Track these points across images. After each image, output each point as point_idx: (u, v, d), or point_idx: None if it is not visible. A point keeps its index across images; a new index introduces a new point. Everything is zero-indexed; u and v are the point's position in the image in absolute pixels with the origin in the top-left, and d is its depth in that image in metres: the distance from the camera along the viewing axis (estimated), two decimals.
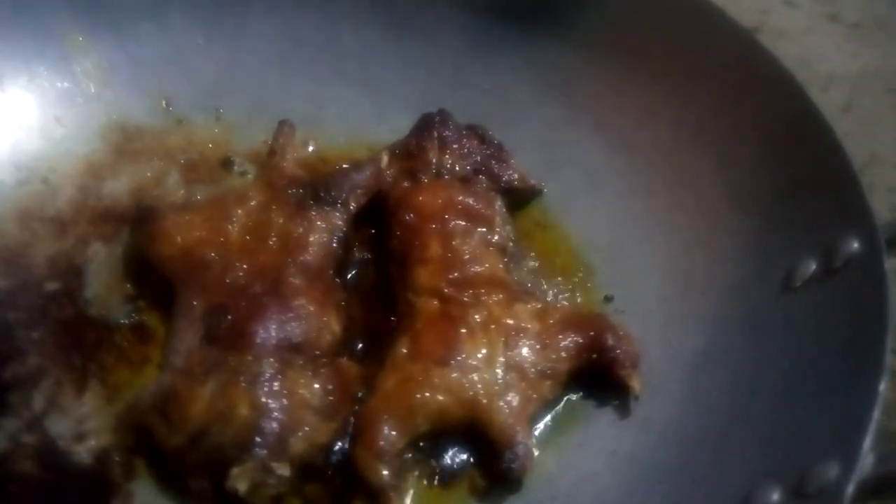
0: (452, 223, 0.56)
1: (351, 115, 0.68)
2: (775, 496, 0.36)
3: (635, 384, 0.49)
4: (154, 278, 0.56)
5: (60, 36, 0.65)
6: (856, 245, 0.44)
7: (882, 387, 0.36)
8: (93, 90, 0.66)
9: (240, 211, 0.56)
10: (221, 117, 0.67)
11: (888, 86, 0.95)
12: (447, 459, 0.48)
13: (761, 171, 0.52)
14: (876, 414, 0.35)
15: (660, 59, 0.59)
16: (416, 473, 0.48)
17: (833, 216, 0.46)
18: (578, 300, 0.56)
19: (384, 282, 0.57)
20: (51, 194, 0.61)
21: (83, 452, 0.49)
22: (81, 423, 0.50)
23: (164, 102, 0.67)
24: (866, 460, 0.34)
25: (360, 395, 0.50)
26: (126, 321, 0.55)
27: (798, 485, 0.36)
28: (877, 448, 0.34)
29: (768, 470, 0.38)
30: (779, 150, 0.51)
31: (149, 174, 0.64)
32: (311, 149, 0.66)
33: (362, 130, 0.67)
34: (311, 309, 0.51)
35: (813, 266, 0.46)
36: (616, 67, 0.62)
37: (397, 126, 0.65)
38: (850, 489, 0.33)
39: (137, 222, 0.57)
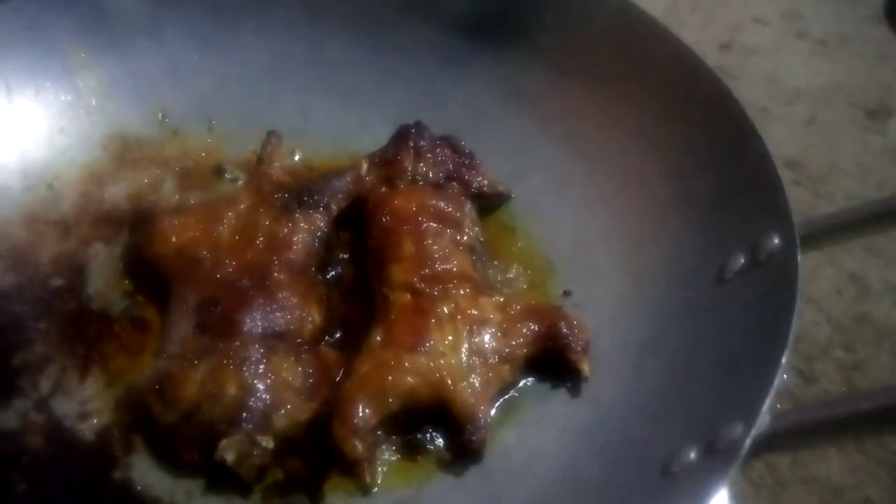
0: (425, 225, 0.63)
1: (335, 125, 0.75)
2: (692, 455, 0.43)
3: (585, 367, 0.55)
4: (151, 275, 0.63)
5: (64, 52, 0.72)
6: (776, 241, 0.50)
7: (784, 359, 0.43)
8: (94, 103, 0.73)
9: (230, 214, 0.63)
10: (214, 128, 0.74)
11: (851, 100, 1.02)
12: (416, 436, 0.55)
13: (700, 178, 0.59)
14: (776, 381, 0.42)
15: (616, 78, 0.66)
16: (388, 448, 0.54)
17: (758, 216, 0.53)
18: (540, 295, 0.62)
19: (362, 279, 0.64)
20: (55, 199, 0.68)
21: (86, 430, 0.55)
22: (84, 405, 0.56)
23: (160, 114, 0.74)
24: (764, 419, 0.40)
25: (338, 379, 0.57)
26: (125, 314, 0.62)
27: (710, 444, 0.42)
28: (773, 409, 0.41)
29: (690, 434, 0.44)
30: (714, 158, 0.58)
31: (146, 181, 0.71)
32: (297, 157, 0.72)
33: (345, 140, 0.74)
34: (295, 301, 0.58)
35: (742, 260, 0.52)
36: (577, 84, 0.69)
37: (378, 136, 0.72)
38: (748, 443, 0.39)
39: (135, 224, 0.64)
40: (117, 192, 0.69)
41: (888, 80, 1.05)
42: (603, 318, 0.58)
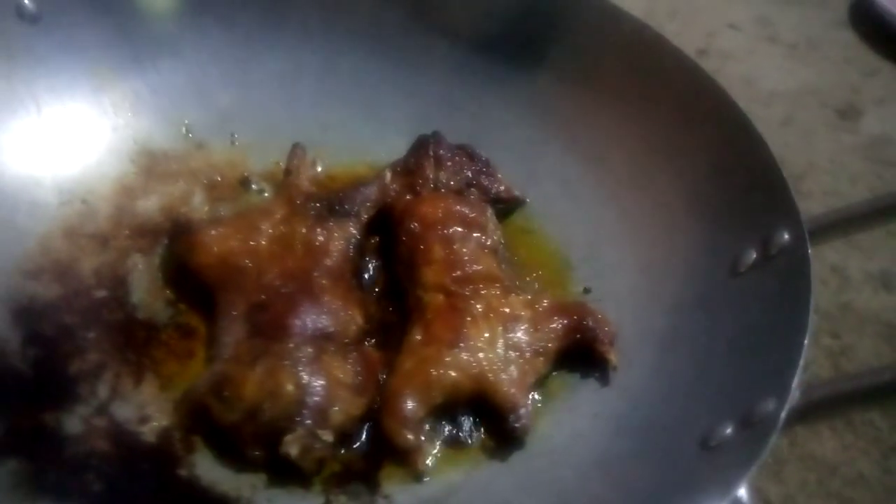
0: (451, 229, 0.68)
1: (352, 136, 0.79)
2: (729, 429, 0.49)
3: (613, 358, 0.61)
4: (192, 284, 0.66)
5: (90, 70, 0.75)
6: (786, 236, 0.56)
7: (806, 341, 0.49)
8: (120, 119, 0.76)
9: (266, 224, 0.67)
10: (236, 141, 0.78)
11: (822, 101, 1.10)
12: (460, 426, 0.59)
13: (710, 179, 0.65)
14: (801, 361, 0.48)
15: (623, 87, 0.72)
16: (436, 437, 0.59)
17: (768, 214, 0.59)
18: (561, 292, 0.68)
19: (393, 282, 0.69)
20: (91, 213, 0.71)
21: (147, 432, 0.58)
22: (142, 409, 0.60)
23: (184, 129, 0.77)
24: (794, 395, 0.46)
25: (382, 376, 0.62)
26: (170, 322, 0.66)
27: (745, 418, 0.48)
28: (800, 385, 0.46)
29: (724, 412, 0.50)
30: (720, 161, 0.64)
31: (176, 194, 0.74)
32: (318, 168, 0.77)
33: (363, 150, 0.78)
34: (338, 304, 0.62)
35: (754, 255, 0.58)
36: (585, 93, 0.74)
37: (393, 146, 0.76)
38: (783, 416, 0.45)
39: (175, 236, 0.68)
40: (149, 205, 0.73)
41: (856, 82, 1.13)
42: (623, 312, 0.63)
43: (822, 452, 0.77)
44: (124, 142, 0.75)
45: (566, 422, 0.59)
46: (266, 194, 0.75)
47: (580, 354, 0.62)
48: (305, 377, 0.57)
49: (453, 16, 0.79)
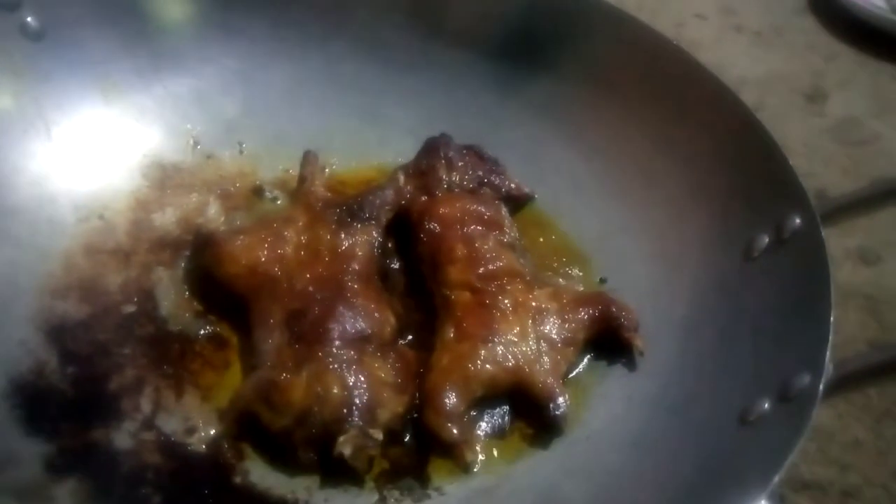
0: (471, 228, 0.70)
1: (357, 141, 0.81)
2: (766, 405, 0.52)
3: (639, 343, 0.64)
4: (220, 295, 0.68)
5: (95, 85, 0.76)
6: (798, 220, 0.60)
7: (832, 318, 0.53)
8: (129, 133, 0.76)
9: (289, 231, 0.69)
10: (245, 150, 0.79)
11: (791, 86, 1.15)
12: (499, 417, 0.62)
13: (715, 169, 0.68)
14: (831, 336, 0.52)
15: (622, 83, 0.75)
16: (478, 430, 0.61)
17: (777, 200, 0.63)
18: (579, 284, 0.71)
19: (415, 282, 0.71)
20: (109, 229, 0.72)
21: (196, 443, 0.60)
22: (187, 420, 0.61)
23: (191, 141, 0.78)
24: (828, 369, 0.50)
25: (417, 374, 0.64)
26: (202, 333, 0.67)
27: (782, 393, 0.52)
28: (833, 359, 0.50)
29: (757, 388, 0.54)
30: (727, 151, 0.68)
31: (191, 205, 0.75)
32: (328, 173, 0.78)
33: (368, 154, 0.80)
34: (372, 306, 0.64)
35: (766, 239, 0.62)
36: (586, 91, 0.77)
37: (398, 148, 0.79)
38: (821, 390, 0.49)
39: (199, 248, 0.69)
40: (166, 218, 0.74)
41: (819, 67, 1.18)
42: (642, 300, 0.66)
43: (820, 421, 0.82)
44: (134, 156, 0.76)
45: (600, 407, 0.62)
46: (280, 202, 0.76)
47: (605, 342, 0.65)
48: (351, 379, 0.59)
49: (451, 19, 0.81)
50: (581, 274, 0.72)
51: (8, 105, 0.71)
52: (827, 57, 1.19)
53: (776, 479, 0.46)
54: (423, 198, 0.73)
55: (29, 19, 0.72)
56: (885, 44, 1.19)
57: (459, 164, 0.75)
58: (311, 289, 0.65)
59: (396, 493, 0.58)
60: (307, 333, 0.62)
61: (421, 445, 0.60)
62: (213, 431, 0.61)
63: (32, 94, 0.73)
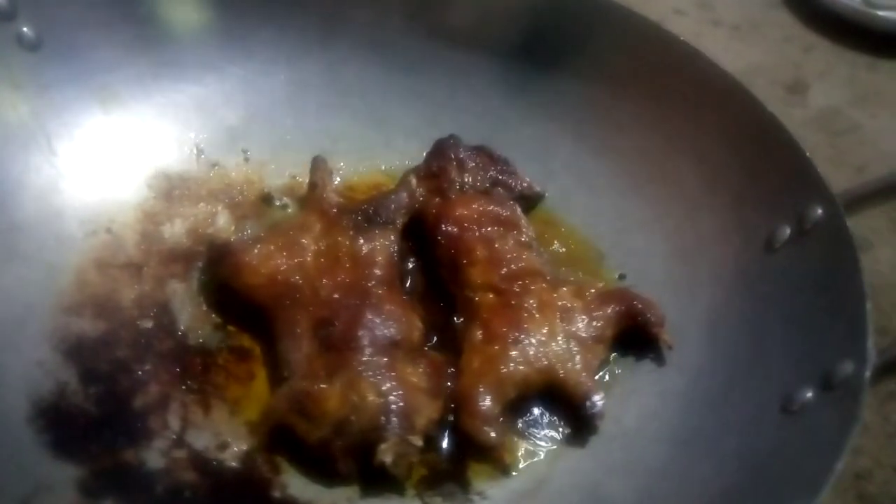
0: (488, 229, 0.70)
1: (362, 145, 0.80)
2: (809, 394, 0.53)
3: (667, 337, 0.64)
4: (238, 305, 0.66)
5: (94, 94, 0.74)
6: (820, 211, 0.61)
7: (868, 305, 0.54)
8: (131, 144, 0.75)
9: (306, 239, 0.68)
10: (250, 158, 0.78)
11: (770, 78, 1.17)
12: (532, 418, 0.62)
13: (729, 162, 0.69)
14: (870, 324, 0.53)
15: (631, 81, 0.75)
16: (514, 432, 0.61)
17: (797, 191, 0.63)
18: (599, 281, 0.71)
19: (434, 285, 0.70)
20: (118, 243, 0.70)
21: (230, 458, 0.59)
22: (218, 435, 0.60)
23: (195, 150, 0.77)
24: (871, 355, 0.51)
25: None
26: (223, 345, 0.65)
27: (824, 382, 0.52)
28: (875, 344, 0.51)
29: (796, 378, 0.54)
30: (740, 143, 0.69)
31: (199, 216, 0.73)
32: (337, 179, 0.78)
33: (373, 158, 0.80)
34: (399, 312, 0.64)
35: (788, 231, 0.63)
36: (592, 89, 0.77)
37: (403, 151, 0.78)
38: (867, 377, 0.50)
39: (215, 259, 0.67)
40: (175, 230, 0.72)
41: (797, 59, 1.20)
42: (663, 295, 0.67)
43: None
44: (138, 167, 0.74)
45: (633, 403, 0.62)
46: (290, 209, 0.75)
47: (632, 338, 0.65)
48: (385, 386, 0.59)
49: (451, 20, 0.81)
50: (598, 271, 0.72)
51: (8, 118, 0.69)
52: (804, 49, 1.21)
53: (836, 469, 0.46)
54: (437, 200, 0.73)
55: (25, 29, 0.70)
56: (858, 35, 1.22)
57: (470, 165, 0.75)
58: (336, 296, 0.64)
59: (439, 500, 0.58)
60: (337, 341, 0.61)
61: (458, 450, 0.60)
62: (245, 446, 0.59)
63: (31, 106, 0.71)
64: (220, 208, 0.74)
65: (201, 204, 0.74)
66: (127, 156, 0.74)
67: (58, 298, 0.65)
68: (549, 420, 0.62)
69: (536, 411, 0.63)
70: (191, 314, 0.67)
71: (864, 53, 1.21)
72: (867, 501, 0.71)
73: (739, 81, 0.71)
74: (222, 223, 0.73)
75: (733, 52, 1.20)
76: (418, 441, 0.58)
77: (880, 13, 1.21)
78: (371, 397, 0.58)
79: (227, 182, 0.76)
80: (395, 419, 0.57)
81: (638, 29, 0.76)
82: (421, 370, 0.61)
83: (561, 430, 0.62)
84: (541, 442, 0.61)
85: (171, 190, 0.74)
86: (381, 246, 0.68)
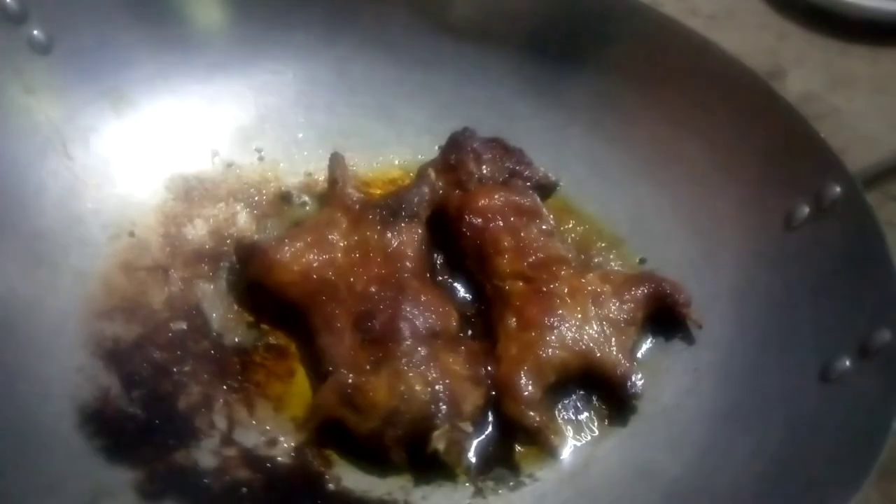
0: (512, 218, 0.71)
1: (373, 141, 0.81)
2: (847, 362, 0.56)
3: (695, 317, 0.67)
4: (270, 303, 0.67)
5: (106, 95, 0.73)
6: (837, 188, 0.64)
7: None
8: (145, 146, 0.74)
9: (334, 235, 0.69)
10: (264, 157, 0.78)
11: (751, 65, 1.21)
12: (573, 400, 0.64)
13: (741, 145, 0.72)
14: None
15: (640, 71, 0.77)
16: (556, 414, 0.63)
17: (812, 170, 0.66)
18: (620, 266, 0.73)
19: (459, 274, 0.72)
20: (142, 245, 0.70)
21: (280, 454, 0.59)
22: (266, 432, 0.61)
23: (209, 150, 0.77)
24: None
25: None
26: (258, 344, 0.66)
27: (862, 350, 0.55)
28: None
29: (832, 347, 0.57)
30: (752, 126, 0.71)
31: (220, 216, 0.74)
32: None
33: (386, 152, 0.81)
34: (436, 302, 0.65)
35: (806, 210, 0.66)
36: (600, 79, 0.79)
37: (415, 145, 0.80)
38: None
39: (245, 258, 0.68)
40: (197, 231, 0.72)
41: (773, 46, 1.25)
42: (687, 276, 0.69)
43: None
44: (154, 169, 0.74)
45: (668, 382, 0.64)
46: (308, 206, 0.76)
47: (661, 319, 0.67)
48: (431, 375, 0.60)
49: (457, 15, 0.82)
50: (618, 257, 0.74)
51: (23, 123, 0.69)
52: (779, 36, 1.25)
53: (889, 434, 0.49)
54: (457, 192, 0.74)
55: (35, 32, 0.70)
56: (829, 22, 1.26)
57: (486, 156, 0.76)
58: (372, 289, 0.65)
59: (491, 484, 0.59)
60: (379, 334, 0.62)
61: (504, 435, 0.61)
62: (293, 441, 0.60)
63: (45, 110, 0.70)
64: (239, 208, 0.74)
65: (220, 204, 0.74)
66: (142, 158, 0.74)
67: (88, 304, 0.65)
68: (588, 402, 0.64)
69: (576, 394, 0.64)
70: (223, 314, 0.67)
71: (836, 39, 1.25)
72: None
73: (749, 67, 0.74)
74: (243, 222, 0.74)
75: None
76: (468, 427, 0.59)
77: (848, 0, 1.26)
78: (419, 387, 0.59)
79: (243, 181, 0.76)
80: (444, 407, 0.59)
81: (646, 20, 0.78)
82: (462, 358, 0.63)
83: (601, 411, 0.64)
84: (583, 423, 0.63)
85: (190, 191, 0.74)
86: (409, 239, 0.69)
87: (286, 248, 0.67)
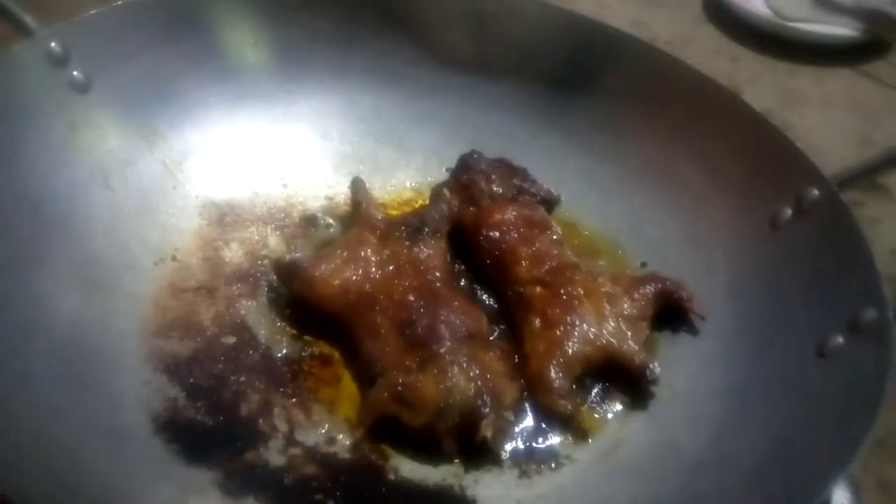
0: (525, 231, 0.80)
1: (385, 165, 0.89)
2: (840, 339, 0.66)
3: (698, 310, 0.76)
4: (310, 316, 0.74)
5: (141, 129, 0.80)
6: (816, 192, 0.75)
7: (879, 265, 0.67)
8: (178, 176, 0.81)
9: (366, 252, 0.76)
10: (287, 184, 0.85)
11: None
12: (597, 390, 0.73)
13: (726, 157, 0.82)
14: (882, 274, 0.66)
15: (631, 95, 0.87)
16: (584, 403, 0.71)
17: (791, 176, 0.77)
18: (623, 269, 0.82)
19: (479, 283, 0.80)
20: (185, 268, 0.76)
21: (341, 451, 0.66)
22: (324, 432, 0.67)
23: (235, 178, 0.84)
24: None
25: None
26: (305, 354, 0.73)
27: (852, 327, 0.65)
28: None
29: (825, 326, 0.67)
30: (735, 140, 0.81)
31: (253, 238, 0.80)
32: None
33: (398, 176, 0.89)
34: (468, 307, 0.73)
35: (789, 212, 0.76)
36: (593, 104, 0.89)
37: (425, 169, 0.89)
38: (893, 315, 0.63)
39: (287, 276, 0.74)
40: (233, 253, 0.79)
41: (728, 68, 1.37)
42: (686, 276, 0.78)
43: None
44: (187, 197, 0.81)
45: (679, 369, 0.73)
46: (332, 227, 0.83)
47: (667, 314, 0.77)
48: (473, 371, 0.68)
49: (458, 47, 0.91)
50: (621, 262, 0.83)
51: (69, 158, 0.75)
52: (732, 59, 1.38)
53: (882, 400, 0.58)
54: (471, 209, 0.83)
55: (75, 73, 0.76)
56: (776, 45, 1.40)
57: (495, 176, 0.85)
58: (410, 298, 0.72)
59: (534, 466, 0.67)
60: (421, 337, 0.69)
61: (539, 423, 0.69)
62: (350, 439, 0.67)
63: (86, 145, 0.76)
64: (269, 230, 0.81)
65: (252, 228, 0.81)
66: (175, 187, 0.81)
67: (144, 324, 0.71)
68: (610, 391, 0.72)
69: (599, 385, 0.73)
70: (268, 329, 0.74)
71: (784, 61, 1.39)
72: None
73: (728, 88, 0.84)
74: (274, 244, 0.81)
75: None
76: (511, 417, 0.67)
77: (790, 24, 1.40)
78: (464, 383, 0.67)
79: (270, 206, 0.83)
80: (488, 399, 0.66)
81: (633, 49, 0.88)
82: (497, 356, 0.71)
83: (623, 398, 0.72)
84: (608, 410, 0.71)
85: (223, 217, 0.81)
86: (435, 252, 0.77)
87: (324, 265, 0.74)
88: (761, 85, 1.35)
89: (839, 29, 1.38)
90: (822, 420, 0.62)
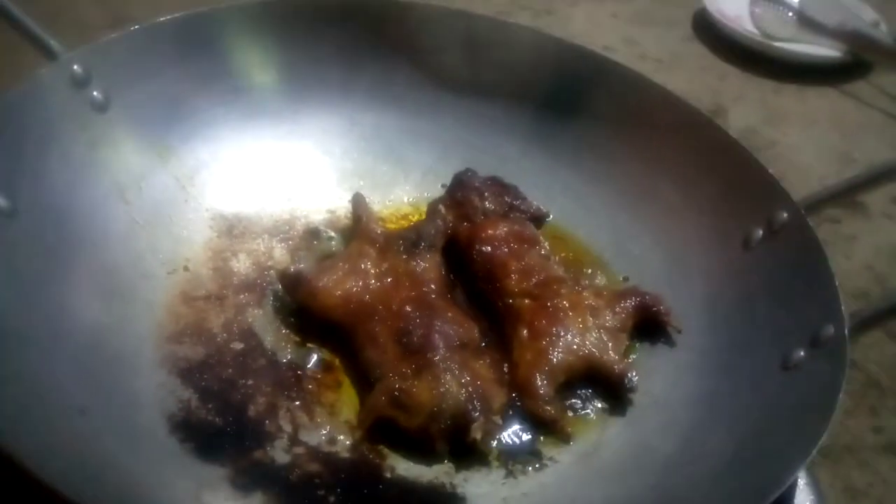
0: (516, 246, 0.87)
1: (384, 181, 0.96)
2: (802, 352, 0.73)
3: (675, 323, 0.83)
4: (313, 325, 0.81)
5: (155, 146, 0.87)
6: (785, 214, 0.82)
7: (836, 281, 0.74)
8: (190, 191, 0.88)
9: (366, 265, 0.82)
10: (291, 198, 0.92)
11: (695, 103, 1.40)
12: (579, 397, 0.79)
13: (705, 181, 0.89)
14: (840, 293, 0.73)
15: (616, 119, 0.93)
16: (568, 408, 0.78)
17: (764, 201, 0.83)
18: (606, 284, 0.89)
19: (472, 296, 0.87)
20: (196, 278, 0.82)
21: (341, 450, 0.72)
22: (325, 433, 0.73)
23: (242, 193, 0.90)
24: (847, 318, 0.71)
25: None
26: (308, 360, 0.79)
27: (812, 342, 0.72)
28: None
29: (788, 342, 0.74)
30: (713, 164, 0.88)
31: (259, 250, 0.87)
32: None
33: (397, 192, 0.96)
34: (460, 318, 0.80)
35: (760, 232, 0.83)
36: (579, 126, 0.95)
37: (422, 185, 0.96)
38: (848, 333, 0.70)
39: (291, 286, 0.81)
40: (241, 264, 0.85)
41: (715, 85, 1.44)
42: (664, 291, 0.85)
43: None
44: (198, 211, 0.87)
45: (656, 378, 0.80)
46: (334, 240, 0.90)
47: (645, 326, 0.83)
48: (465, 378, 0.74)
49: (455, 73, 0.98)
50: (604, 277, 0.90)
51: (90, 174, 0.81)
52: (719, 77, 1.45)
53: (836, 408, 0.65)
54: (465, 224, 0.89)
55: (95, 93, 0.82)
56: (762, 64, 1.47)
57: (488, 193, 0.91)
58: (407, 309, 0.79)
59: (520, 467, 0.73)
60: (417, 346, 0.76)
61: (525, 427, 0.76)
62: (350, 440, 0.73)
63: (104, 161, 0.83)
64: (274, 242, 0.88)
65: (258, 240, 0.88)
66: (186, 201, 0.87)
67: (159, 330, 0.77)
68: (591, 397, 0.79)
69: (581, 392, 0.79)
70: (274, 336, 0.80)
71: (769, 79, 1.46)
72: None
73: (706, 114, 0.91)
74: (279, 255, 0.87)
75: (659, 82, 1.42)
76: (499, 420, 0.74)
77: (775, 44, 1.47)
78: (456, 388, 0.73)
79: (275, 219, 0.90)
80: (478, 404, 0.73)
81: (618, 75, 0.95)
82: (487, 364, 0.77)
83: (602, 404, 0.79)
84: (589, 415, 0.78)
85: (231, 229, 0.87)
86: (430, 265, 0.84)
87: (327, 276, 0.81)
88: (746, 102, 1.42)
89: (823, 49, 1.45)
90: (783, 425, 0.69)
